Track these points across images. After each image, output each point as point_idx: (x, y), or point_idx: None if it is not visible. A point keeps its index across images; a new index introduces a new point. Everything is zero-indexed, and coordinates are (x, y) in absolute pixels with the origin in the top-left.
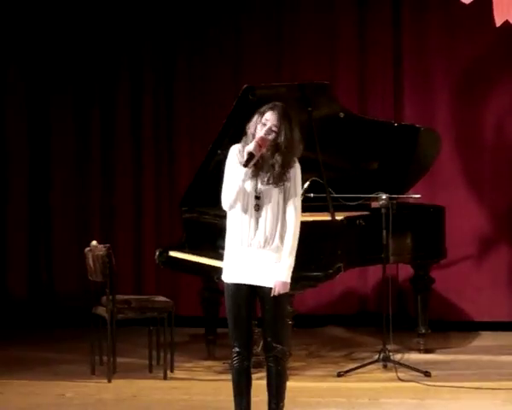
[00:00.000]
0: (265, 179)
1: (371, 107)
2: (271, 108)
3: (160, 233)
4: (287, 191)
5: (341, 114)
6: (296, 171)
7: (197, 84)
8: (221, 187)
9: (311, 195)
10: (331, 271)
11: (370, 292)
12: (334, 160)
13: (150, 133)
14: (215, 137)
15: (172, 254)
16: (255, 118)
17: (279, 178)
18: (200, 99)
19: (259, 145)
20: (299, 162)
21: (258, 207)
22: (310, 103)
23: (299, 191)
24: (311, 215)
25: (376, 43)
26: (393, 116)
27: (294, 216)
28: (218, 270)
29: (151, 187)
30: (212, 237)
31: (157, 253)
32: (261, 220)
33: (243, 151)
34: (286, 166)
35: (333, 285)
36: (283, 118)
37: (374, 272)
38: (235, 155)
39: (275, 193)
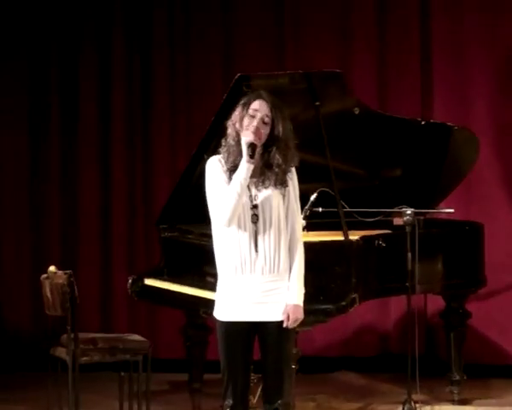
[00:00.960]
0: (261, 182)
1: (393, 101)
2: (258, 97)
3: (132, 257)
4: (287, 197)
5: (356, 110)
6: (294, 175)
7: (179, 73)
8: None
9: (320, 209)
10: (344, 303)
11: (392, 329)
12: (348, 166)
13: (121, 134)
14: (201, 139)
15: (148, 282)
16: (237, 111)
17: (280, 180)
18: (182, 91)
19: (256, 135)
20: (303, 168)
21: (256, 218)
22: (318, 97)
23: (298, 197)
24: (318, 234)
25: (400, 24)
26: (420, 113)
27: (299, 226)
28: (206, 302)
29: (122, 199)
30: (197, 262)
31: (129, 281)
32: (261, 234)
33: (226, 161)
34: (288, 165)
35: (346, 321)
36: (275, 107)
37: (396, 305)
38: (217, 165)
39: (275, 198)
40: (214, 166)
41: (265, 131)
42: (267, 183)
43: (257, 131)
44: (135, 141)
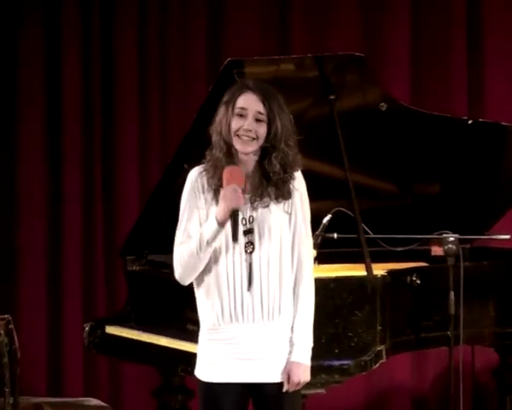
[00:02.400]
0: (258, 199)
1: (431, 95)
2: (244, 89)
3: (90, 297)
4: (293, 214)
5: (383, 106)
6: (300, 182)
7: (151, 59)
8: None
9: (335, 235)
10: (366, 358)
11: (430, 392)
12: (372, 179)
13: (74, 136)
14: (180, 143)
15: (111, 330)
16: (221, 114)
17: (281, 192)
18: (154, 82)
19: (235, 179)
20: (314, 182)
21: (251, 247)
22: (333, 88)
23: (309, 215)
24: (333, 268)
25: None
26: (467, 110)
27: (309, 257)
28: (186, 357)
29: (75, 222)
30: (175, 304)
31: (86, 329)
32: (257, 269)
33: (212, 178)
34: (289, 170)
35: (370, 381)
36: (268, 98)
37: (435, 360)
38: (197, 182)
39: (277, 219)
40: (193, 184)
41: (261, 130)
42: (266, 199)
43: (234, 172)
44: (92, 145)
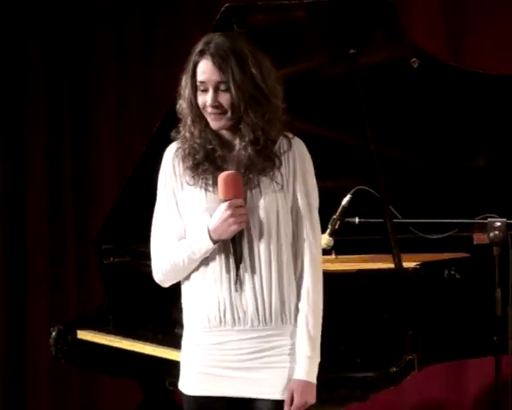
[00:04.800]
0: (244, 177)
1: (474, 49)
2: (201, 53)
3: (56, 295)
4: (285, 185)
5: (415, 63)
6: (295, 145)
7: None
8: None
9: (356, 220)
10: (395, 369)
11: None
12: (401, 151)
13: (40, 95)
14: (167, 108)
15: (83, 335)
16: (184, 84)
17: (264, 159)
18: (135, 41)
19: (234, 191)
20: (330, 155)
21: (239, 236)
22: (354, 40)
23: (312, 184)
24: (353, 260)
25: None
26: None
27: (313, 242)
28: (174, 367)
29: (40, 203)
30: (160, 303)
31: (53, 334)
32: (249, 263)
33: (186, 156)
34: (264, 137)
35: (400, 396)
36: (224, 57)
37: (478, 372)
38: (170, 165)
39: (271, 201)
40: (167, 165)
41: (228, 100)
42: (255, 179)
43: (235, 188)
44: (61, 112)
